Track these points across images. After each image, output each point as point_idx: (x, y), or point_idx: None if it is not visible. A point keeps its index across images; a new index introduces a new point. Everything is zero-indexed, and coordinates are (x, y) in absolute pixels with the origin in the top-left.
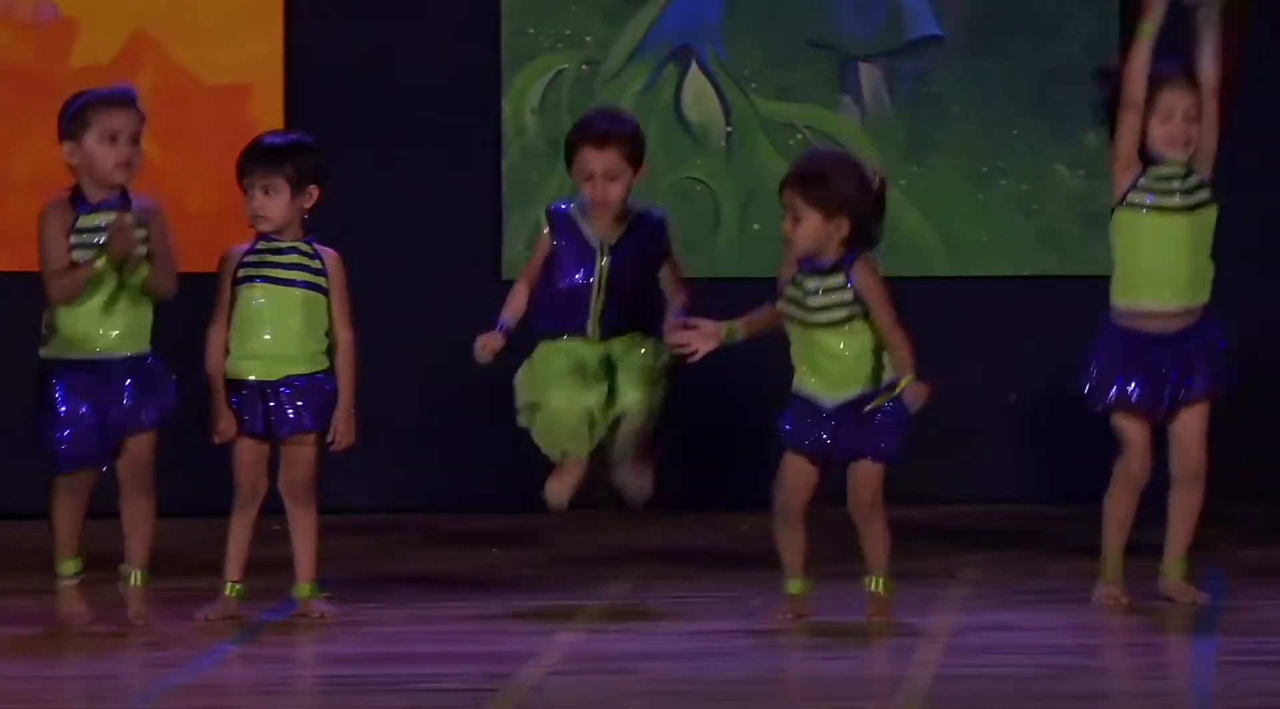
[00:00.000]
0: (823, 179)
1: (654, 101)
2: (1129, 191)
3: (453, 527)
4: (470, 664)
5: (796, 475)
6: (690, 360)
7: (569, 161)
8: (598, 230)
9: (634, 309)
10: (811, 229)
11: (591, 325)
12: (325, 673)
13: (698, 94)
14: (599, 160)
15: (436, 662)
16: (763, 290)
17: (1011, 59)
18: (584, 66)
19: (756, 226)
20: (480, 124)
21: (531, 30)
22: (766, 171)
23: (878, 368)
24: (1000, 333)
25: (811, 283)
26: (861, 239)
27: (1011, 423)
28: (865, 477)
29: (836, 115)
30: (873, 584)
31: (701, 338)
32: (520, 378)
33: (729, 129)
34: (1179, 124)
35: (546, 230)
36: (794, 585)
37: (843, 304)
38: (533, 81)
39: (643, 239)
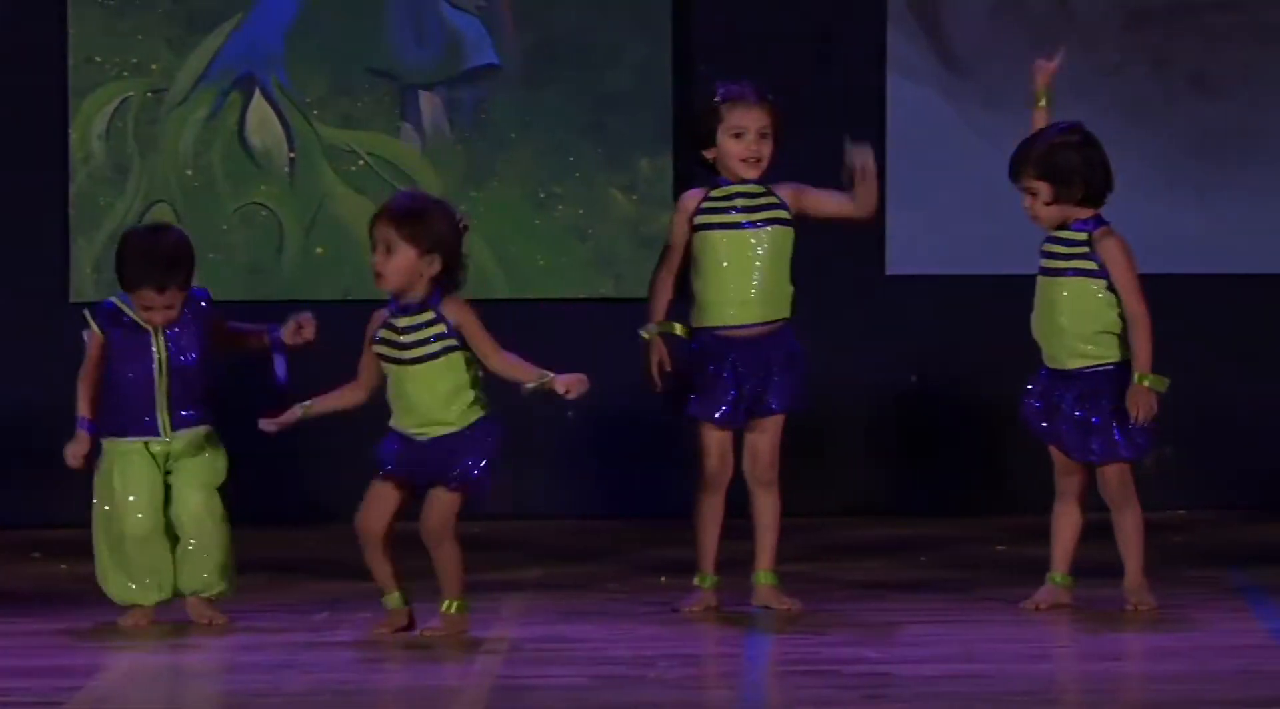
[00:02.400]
0: (421, 216)
1: (218, 128)
2: (694, 215)
3: (22, 542)
4: (36, 678)
5: (377, 499)
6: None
7: (127, 284)
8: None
9: (198, 388)
10: (404, 264)
11: (161, 416)
12: None
13: (261, 121)
14: (159, 300)
15: (3, 676)
16: (325, 312)
17: (567, 87)
18: (150, 94)
19: (319, 250)
20: (47, 150)
21: (98, 58)
22: (329, 197)
23: (470, 407)
24: (558, 354)
25: (402, 322)
26: (448, 281)
27: (569, 440)
28: (438, 503)
29: (397, 142)
30: (445, 606)
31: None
32: (97, 487)
33: (292, 155)
34: (752, 141)
35: (95, 327)
36: (389, 600)
37: (438, 337)
38: (99, 108)
39: (192, 313)
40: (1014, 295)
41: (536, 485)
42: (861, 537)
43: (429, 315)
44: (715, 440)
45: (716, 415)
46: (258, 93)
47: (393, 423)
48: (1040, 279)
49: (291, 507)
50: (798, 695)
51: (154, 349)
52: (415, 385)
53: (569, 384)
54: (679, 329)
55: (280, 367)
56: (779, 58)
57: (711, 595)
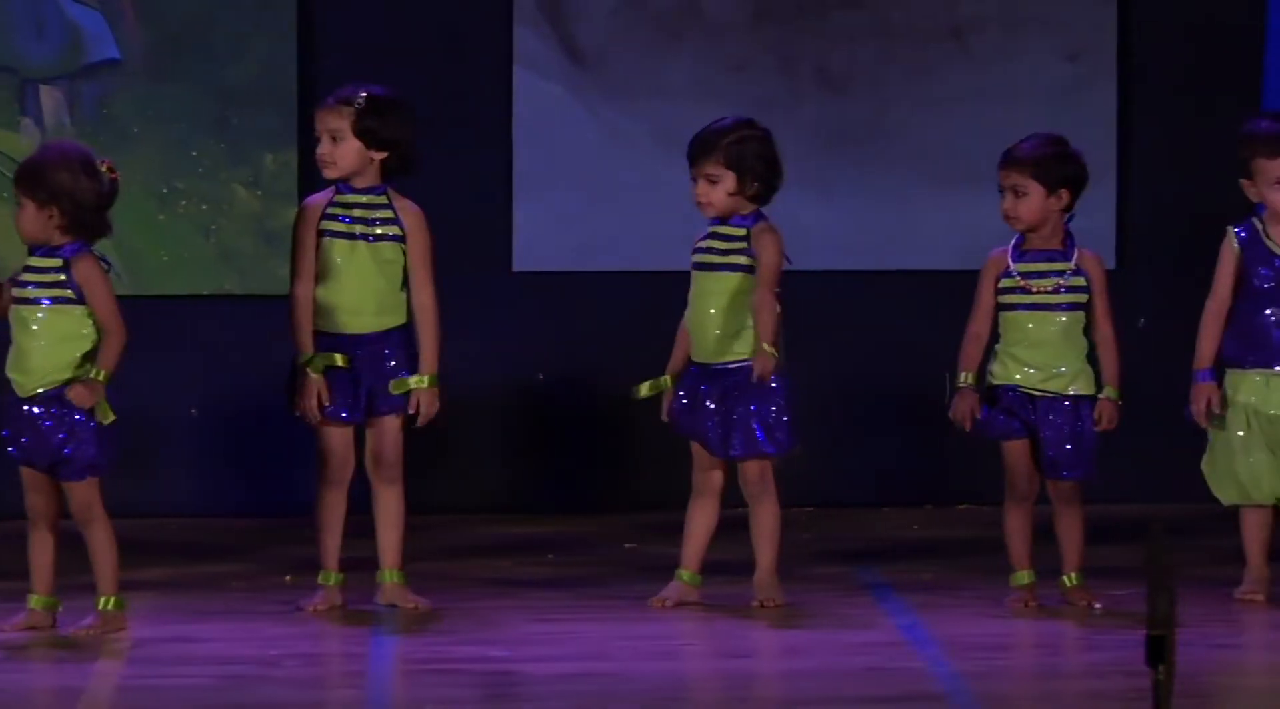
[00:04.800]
0: (34, 168)
1: None
2: (320, 220)
3: None
4: None
5: (27, 482)
6: None
7: None
8: None
9: None
10: (27, 217)
11: None
12: None
13: None
14: None
15: None
16: None
17: (191, 82)
18: None
19: None
20: None
21: None
22: None
23: (79, 362)
24: (178, 351)
25: (31, 262)
26: (79, 228)
27: (194, 437)
28: (74, 493)
29: (17, 137)
30: (102, 602)
31: None
32: None
33: None
34: (323, 145)
35: None
36: (32, 598)
37: (56, 284)
38: None
39: None
40: (641, 291)
41: (161, 483)
42: (489, 534)
43: (56, 263)
44: (335, 437)
45: (342, 414)
46: None
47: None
48: (695, 274)
49: None
50: (424, 695)
51: None
52: (25, 328)
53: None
54: (339, 360)
55: None
56: (405, 54)
57: (336, 593)
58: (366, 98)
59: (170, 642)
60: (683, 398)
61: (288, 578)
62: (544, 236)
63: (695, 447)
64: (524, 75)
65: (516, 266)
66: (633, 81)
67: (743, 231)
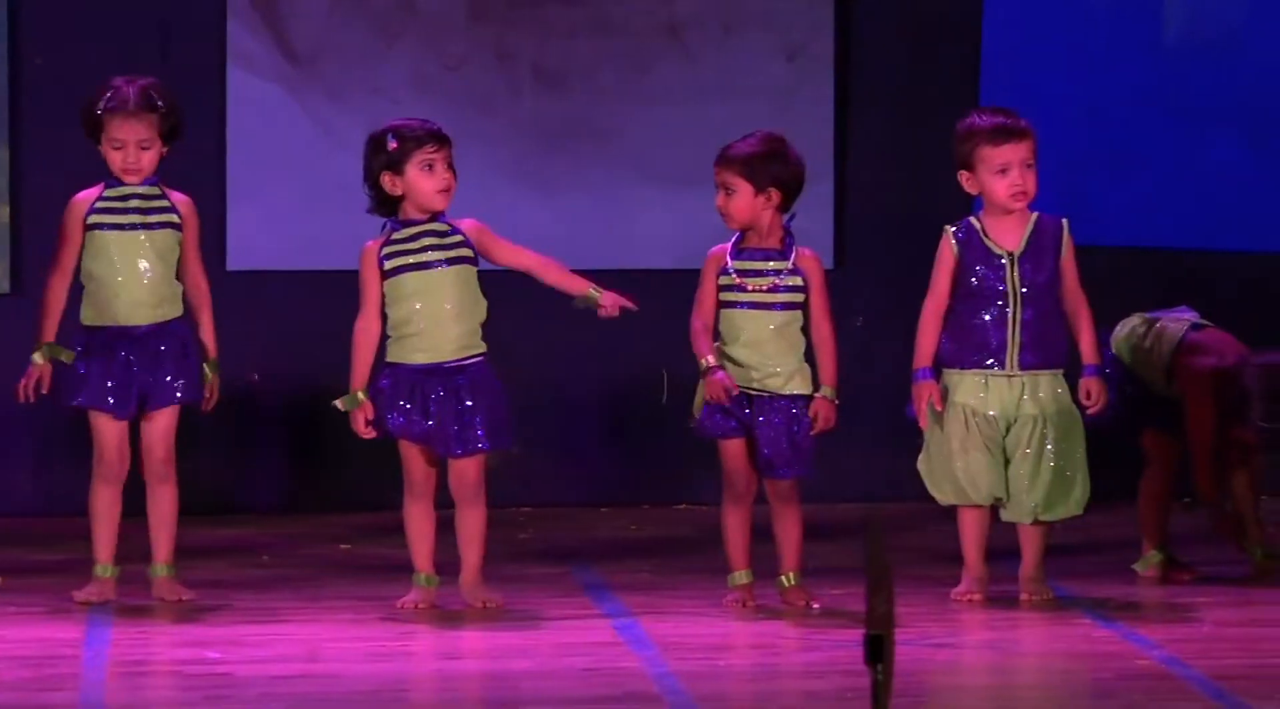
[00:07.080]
0: None
1: None
2: (88, 215)
3: None
4: None
5: None
6: None
7: None
8: None
9: None
10: None
11: None
12: None
13: None
14: None
15: None
16: None
17: None
18: None
19: None
20: None
21: None
22: None
23: None
24: None
25: None
26: None
27: None
28: None
29: None
30: None
31: None
32: None
33: None
34: (130, 153)
35: None
36: None
37: None
38: None
39: None
40: (357, 291)
41: None
42: (203, 535)
43: None
44: (109, 432)
45: (110, 406)
46: None
47: None
48: (416, 275)
49: None
50: (138, 697)
51: None
52: None
53: None
54: (65, 355)
55: None
56: (117, 51)
57: (110, 586)
58: (164, 102)
59: None
60: (405, 404)
61: (0, 580)
62: (258, 235)
63: (412, 448)
64: (238, 74)
65: (230, 266)
66: (348, 80)
67: (448, 227)
